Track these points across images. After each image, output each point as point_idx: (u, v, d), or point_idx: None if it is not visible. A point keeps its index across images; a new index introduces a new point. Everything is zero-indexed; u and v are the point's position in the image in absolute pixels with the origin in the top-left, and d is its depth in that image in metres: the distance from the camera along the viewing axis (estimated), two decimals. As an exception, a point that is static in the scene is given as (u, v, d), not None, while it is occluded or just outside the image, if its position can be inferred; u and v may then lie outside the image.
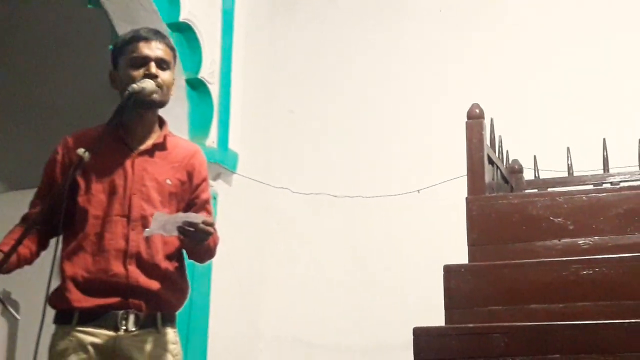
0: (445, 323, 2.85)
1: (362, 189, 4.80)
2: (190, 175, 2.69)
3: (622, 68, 4.58)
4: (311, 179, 4.97)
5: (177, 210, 2.64)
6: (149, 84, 2.57)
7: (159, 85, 2.60)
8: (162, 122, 2.74)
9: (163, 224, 2.44)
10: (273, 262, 4.94)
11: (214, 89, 4.60)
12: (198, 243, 2.56)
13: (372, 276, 4.75)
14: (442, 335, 2.71)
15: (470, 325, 2.74)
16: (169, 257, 2.61)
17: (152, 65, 2.61)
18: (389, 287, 4.66)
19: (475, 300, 2.86)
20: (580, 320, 2.63)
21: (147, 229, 2.47)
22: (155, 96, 2.59)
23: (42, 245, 2.65)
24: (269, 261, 4.94)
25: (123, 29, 4.29)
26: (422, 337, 2.71)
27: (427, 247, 4.49)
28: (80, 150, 2.44)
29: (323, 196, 4.85)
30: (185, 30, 4.41)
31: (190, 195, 2.70)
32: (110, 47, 4.42)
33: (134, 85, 2.55)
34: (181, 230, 2.45)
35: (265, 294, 4.92)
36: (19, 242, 2.44)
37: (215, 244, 2.70)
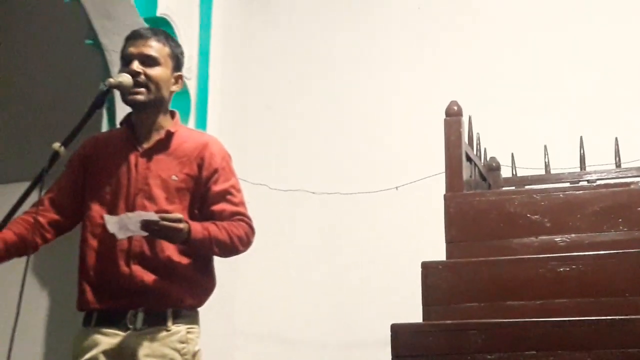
0: (423, 320, 2.86)
1: (341, 186, 4.80)
2: (200, 167, 2.65)
3: (599, 66, 4.61)
4: (289, 175, 4.96)
5: (190, 205, 2.62)
6: (125, 78, 2.56)
7: (142, 83, 2.59)
8: (173, 115, 2.74)
9: (122, 225, 2.43)
10: (250, 259, 4.90)
11: (192, 85, 4.58)
12: (175, 241, 2.53)
13: (350, 273, 4.75)
14: (420, 332, 2.72)
15: (448, 322, 2.75)
16: (183, 252, 2.58)
17: (134, 62, 2.61)
18: (366, 284, 4.66)
19: (452, 297, 2.87)
20: (557, 317, 2.64)
21: (112, 232, 2.46)
22: (136, 97, 2.59)
23: (44, 238, 2.65)
24: (246, 257, 4.90)
25: (100, 23, 4.27)
26: (400, 334, 2.71)
27: (405, 244, 4.50)
28: (56, 145, 2.43)
29: (301, 193, 4.83)
30: (162, 26, 4.38)
31: (203, 188, 2.65)
32: (88, 41, 4.44)
33: (110, 80, 2.56)
34: (145, 229, 2.43)
35: (242, 290, 4.90)
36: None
37: (237, 236, 2.62)
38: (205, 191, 2.66)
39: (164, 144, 2.66)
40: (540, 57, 4.75)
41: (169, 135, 2.67)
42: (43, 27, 5.55)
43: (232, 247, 2.63)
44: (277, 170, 5.03)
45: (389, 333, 2.73)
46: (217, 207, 2.65)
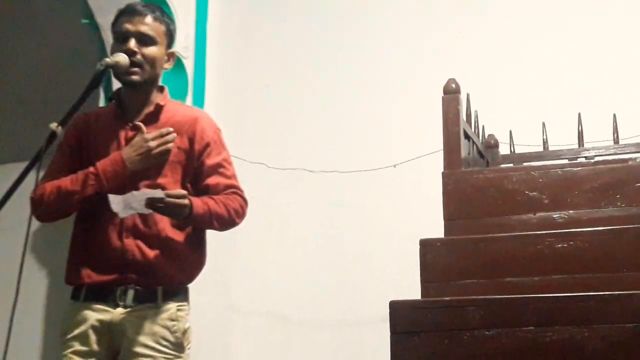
0: (422, 296, 2.86)
1: (339, 164, 4.80)
2: (191, 141, 2.67)
3: (596, 44, 4.60)
4: (287, 154, 4.96)
5: (183, 178, 2.63)
6: (121, 58, 2.56)
7: (138, 62, 2.58)
8: (162, 90, 2.74)
9: (126, 204, 2.44)
10: (248, 236, 4.92)
11: (189, 64, 4.57)
12: (178, 217, 2.53)
13: (349, 250, 4.76)
14: (418, 309, 2.72)
15: (446, 298, 2.75)
16: (176, 227, 2.59)
17: (131, 40, 2.60)
18: (365, 261, 4.67)
19: (451, 274, 2.88)
20: (555, 293, 2.65)
21: (115, 212, 2.47)
22: (133, 77, 2.58)
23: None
24: (244, 235, 4.92)
25: (96, 3, 4.26)
26: (399, 310, 2.72)
27: (404, 222, 4.50)
28: (53, 125, 2.44)
29: (299, 171, 4.83)
30: (159, 4, 4.36)
31: (195, 163, 2.67)
32: (84, 20, 4.42)
33: (107, 59, 2.55)
34: (150, 207, 2.44)
35: (240, 268, 4.92)
36: None
37: (233, 209, 2.65)
38: (199, 165, 2.67)
39: (154, 117, 2.67)
40: (538, 35, 4.73)
41: (159, 108, 2.68)
42: (40, 7, 5.52)
43: (230, 220, 2.66)
44: (275, 149, 5.02)
45: (387, 309, 2.74)
46: (211, 181, 2.66)
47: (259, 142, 5.05)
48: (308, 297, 4.77)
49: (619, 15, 4.60)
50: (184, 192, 2.52)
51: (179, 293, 2.63)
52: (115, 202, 2.45)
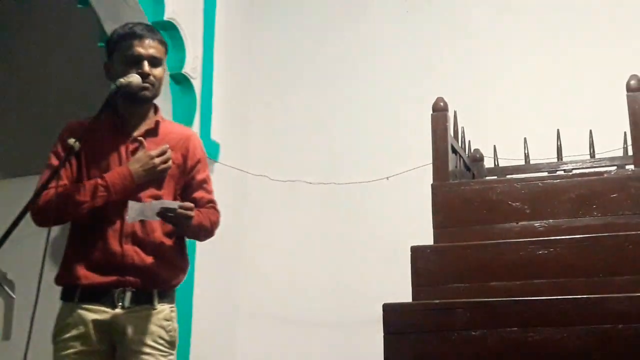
0: (413, 299, 2.87)
1: (336, 176, 4.80)
2: (184, 157, 2.69)
3: (573, 66, 4.61)
4: (288, 167, 4.96)
5: (175, 191, 2.65)
6: (135, 79, 2.56)
7: (151, 83, 2.60)
8: (156, 109, 2.75)
9: (141, 211, 2.45)
10: (252, 244, 4.93)
11: (197, 84, 4.57)
12: (181, 226, 2.55)
13: (345, 257, 4.75)
14: (410, 311, 2.73)
15: (436, 301, 2.76)
16: (167, 235, 2.61)
17: (145, 64, 2.60)
18: (360, 267, 4.67)
19: (440, 279, 2.88)
20: (536, 297, 2.65)
21: (127, 217, 2.47)
22: (146, 93, 2.61)
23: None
24: (248, 243, 4.93)
25: (110, 27, 4.25)
26: (392, 313, 2.72)
27: (396, 230, 4.50)
28: (71, 140, 2.43)
29: (299, 183, 4.84)
30: (169, 29, 4.38)
31: (186, 177, 2.70)
32: (100, 44, 4.42)
33: (121, 80, 2.54)
34: (161, 215, 2.45)
35: (245, 274, 4.91)
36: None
37: (213, 222, 2.70)
38: (189, 179, 2.71)
39: (153, 132, 2.69)
40: (520, 58, 4.76)
41: (158, 124, 2.69)
42: (59, 32, 5.55)
43: (210, 232, 2.73)
44: (277, 162, 5.03)
45: (381, 312, 2.74)
46: (197, 195, 2.71)
47: (262, 156, 5.06)
48: (307, 300, 4.77)
49: (594, 41, 4.62)
50: (192, 204, 2.54)
51: (170, 295, 2.65)
52: (134, 208, 2.46)
